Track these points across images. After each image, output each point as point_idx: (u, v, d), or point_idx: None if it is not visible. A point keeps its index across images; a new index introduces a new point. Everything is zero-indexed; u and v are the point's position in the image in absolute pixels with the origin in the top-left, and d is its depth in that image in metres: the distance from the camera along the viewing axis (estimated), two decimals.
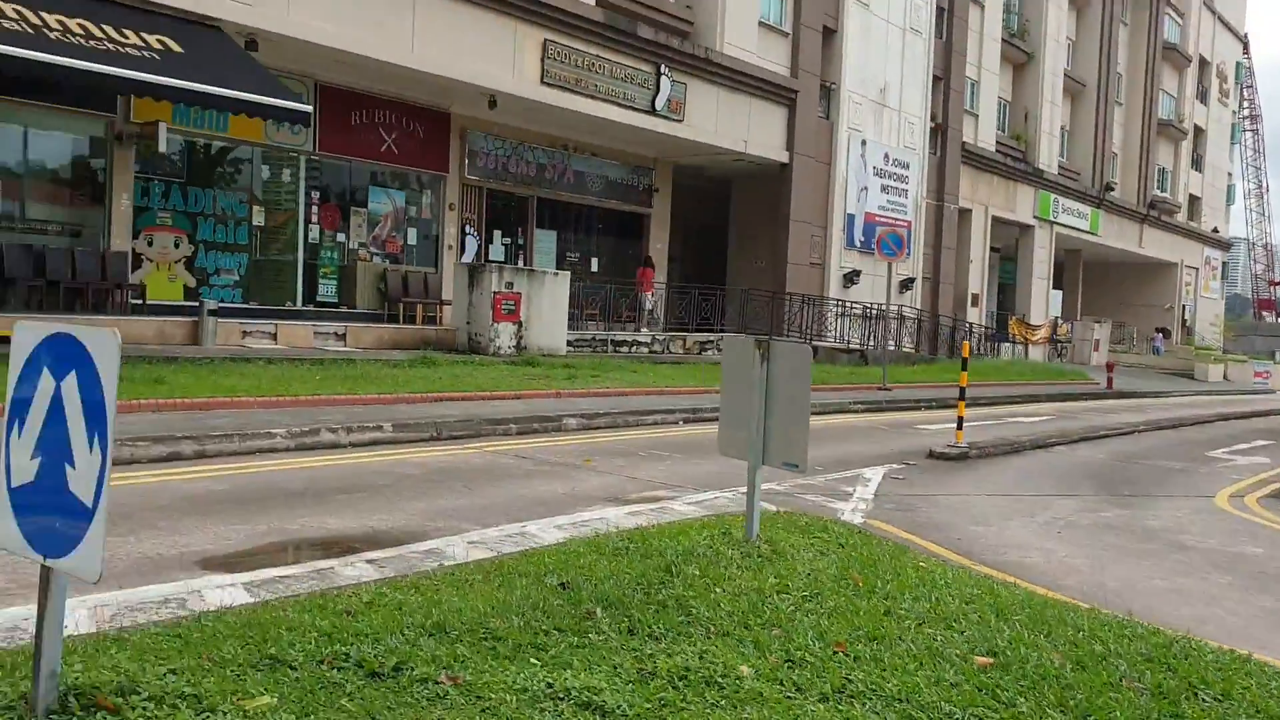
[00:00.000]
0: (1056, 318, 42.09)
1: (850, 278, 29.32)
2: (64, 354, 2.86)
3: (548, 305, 19.64)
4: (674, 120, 23.39)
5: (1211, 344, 56.17)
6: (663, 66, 22.83)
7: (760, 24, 25.85)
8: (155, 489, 7.22)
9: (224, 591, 4.85)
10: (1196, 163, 56.89)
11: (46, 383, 2.91)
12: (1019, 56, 38.98)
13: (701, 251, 30.64)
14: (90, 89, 15.16)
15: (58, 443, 2.86)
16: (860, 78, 29.29)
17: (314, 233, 19.71)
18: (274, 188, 19.14)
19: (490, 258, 22.99)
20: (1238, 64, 62.57)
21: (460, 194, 22.06)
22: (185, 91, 13.01)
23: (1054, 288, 42.92)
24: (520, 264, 23.36)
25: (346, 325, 17.87)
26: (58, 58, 11.90)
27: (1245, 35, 62.85)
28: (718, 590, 4.72)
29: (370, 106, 19.96)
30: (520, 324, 19.08)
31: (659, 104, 22.85)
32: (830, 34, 28.21)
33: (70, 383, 2.84)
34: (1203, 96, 56.80)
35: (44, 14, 12.92)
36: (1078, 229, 42.66)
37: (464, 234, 22.34)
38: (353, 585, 4.82)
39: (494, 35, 19.49)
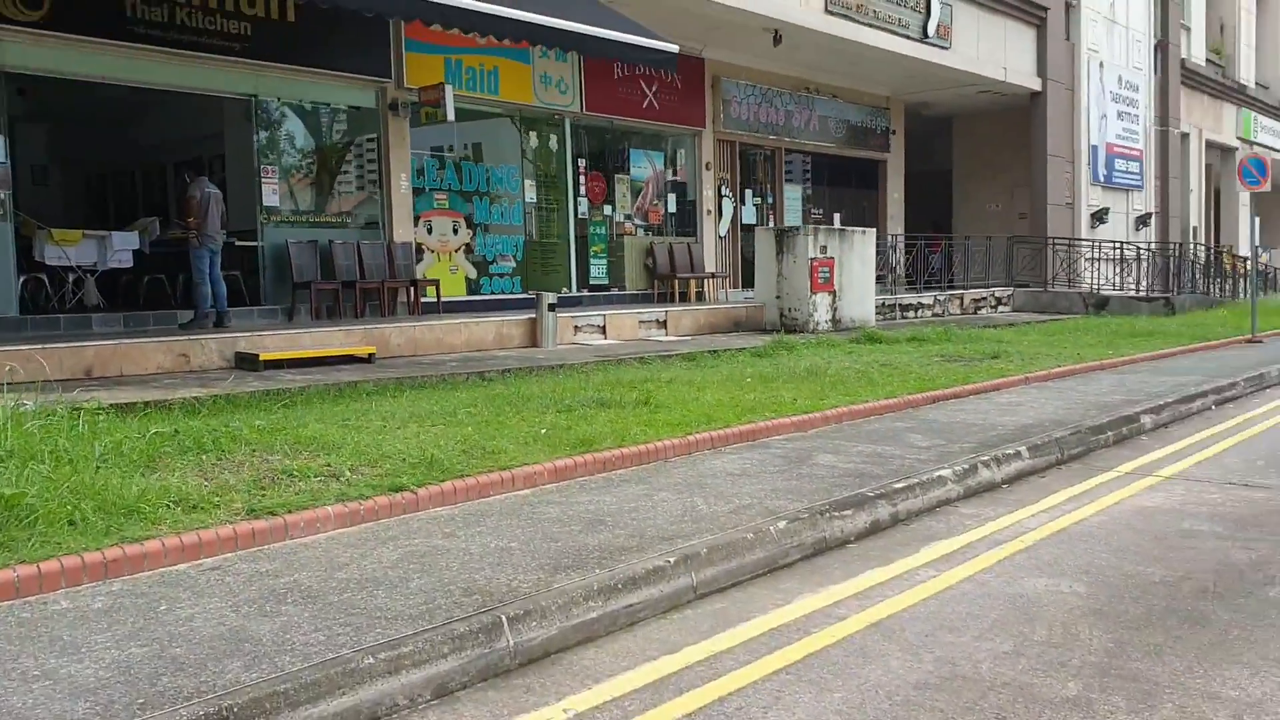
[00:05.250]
0: (1258, 247, 38.56)
1: (1099, 216, 26.23)
2: None
3: (857, 270, 16.89)
4: (942, 47, 20.43)
5: None
6: None
7: None
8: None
9: None
10: None
11: None
12: None
13: (914, 198, 27.62)
14: (366, 39, 12.68)
15: None
16: None
17: (582, 206, 17.09)
18: (543, 157, 16.51)
19: (743, 221, 20.27)
20: None
21: (715, 151, 19.31)
22: (560, 33, 10.36)
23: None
24: (770, 224, 20.64)
25: (666, 311, 15.22)
26: None
27: None
28: None
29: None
30: (834, 294, 16.37)
31: (930, 29, 19.90)
32: None
33: None
34: None
35: None
36: (1274, 148, 39.02)
37: (720, 196, 19.61)
38: None
39: None
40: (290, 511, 4.95)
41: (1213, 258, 27.54)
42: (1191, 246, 28.22)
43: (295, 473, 5.58)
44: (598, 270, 17.45)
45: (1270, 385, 12.10)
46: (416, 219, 14.58)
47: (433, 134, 14.86)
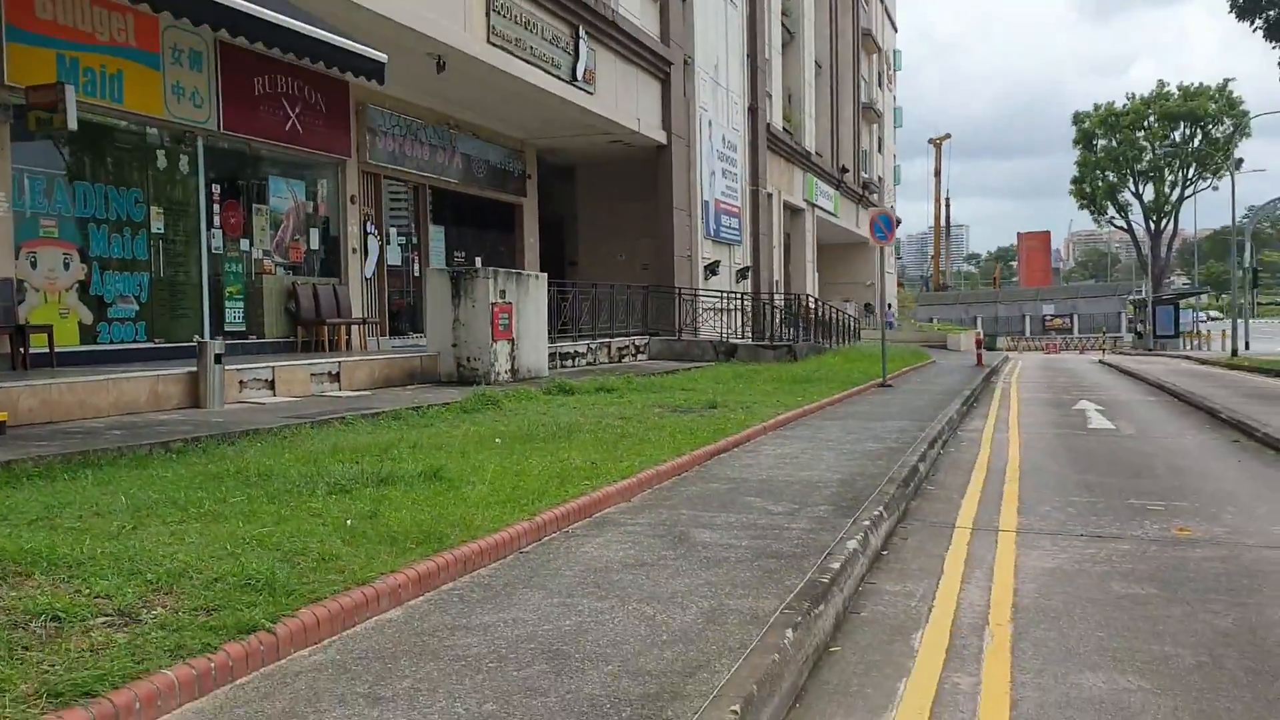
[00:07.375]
0: (888, 304, 42.81)
1: (712, 268, 27.36)
2: None
3: (532, 316, 15.99)
4: (588, 92, 20.20)
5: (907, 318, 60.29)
6: (581, 29, 19.57)
7: None
8: None
9: None
10: (879, 145, 60.49)
11: None
12: (785, 36, 38.75)
13: (543, 245, 27.31)
14: None
15: None
16: (704, 53, 27.32)
17: (216, 239, 14.67)
18: (171, 180, 13.93)
19: (389, 262, 18.64)
20: (895, 51, 67.47)
21: (360, 184, 17.57)
22: (271, 27, 8.44)
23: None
24: (416, 267, 19.25)
25: (339, 362, 13.26)
26: None
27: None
28: None
29: (273, 72, 15.17)
30: (513, 341, 15.33)
31: (579, 72, 19.58)
32: (684, 2, 25.96)
33: None
34: (879, 82, 60.43)
35: None
36: (828, 211, 43.51)
37: (365, 233, 17.86)
38: None
39: None
40: (114, 686, 3.05)
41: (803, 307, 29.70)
42: (785, 297, 30.28)
43: (64, 616, 3.58)
44: (234, 314, 15.03)
45: (958, 427, 12.75)
46: (18, 250, 11.59)
47: (38, 148, 11.94)
